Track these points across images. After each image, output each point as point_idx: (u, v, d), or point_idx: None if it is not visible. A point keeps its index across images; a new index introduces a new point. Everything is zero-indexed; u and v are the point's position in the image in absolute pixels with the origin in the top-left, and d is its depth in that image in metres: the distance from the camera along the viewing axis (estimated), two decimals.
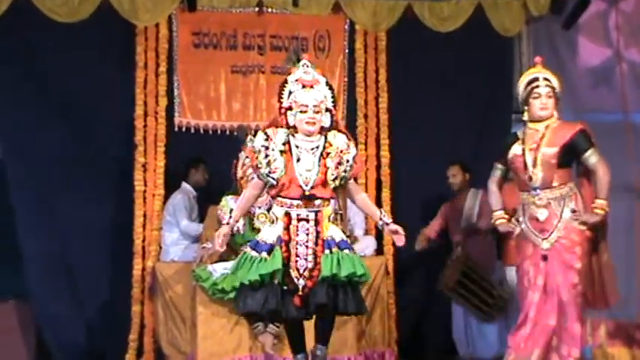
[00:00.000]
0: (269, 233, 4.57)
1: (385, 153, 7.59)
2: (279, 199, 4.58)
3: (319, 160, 4.55)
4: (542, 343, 5.00)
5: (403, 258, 7.42)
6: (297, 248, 4.53)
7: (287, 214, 4.54)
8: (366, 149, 7.56)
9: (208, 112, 7.45)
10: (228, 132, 7.41)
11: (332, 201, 6.46)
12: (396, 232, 4.65)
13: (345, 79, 7.68)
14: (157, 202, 7.16)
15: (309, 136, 4.57)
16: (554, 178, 5.05)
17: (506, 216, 5.31)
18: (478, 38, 7.76)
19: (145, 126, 7.22)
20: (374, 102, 7.64)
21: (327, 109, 4.58)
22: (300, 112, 4.53)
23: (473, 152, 7.58)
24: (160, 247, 7.11)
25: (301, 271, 4.51)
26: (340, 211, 6.91)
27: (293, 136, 4.57)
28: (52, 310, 7.02)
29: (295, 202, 4.53)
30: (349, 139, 4.65)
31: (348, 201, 6.72)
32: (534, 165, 5.06)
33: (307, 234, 4.54)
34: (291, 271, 4.52)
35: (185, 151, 7.32)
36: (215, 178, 7.13)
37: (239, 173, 6.13)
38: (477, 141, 7.69)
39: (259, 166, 4.54)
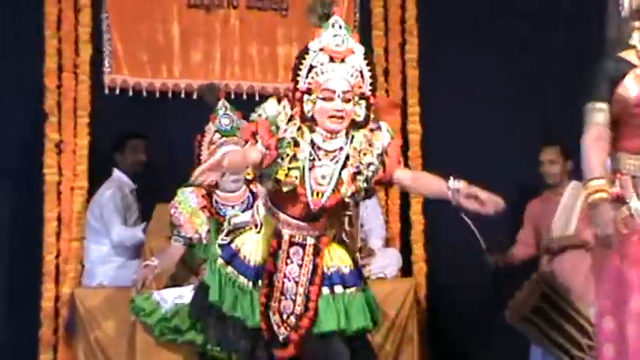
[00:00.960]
0: (254, 248, 4.54)
1: (415, 127, 7.58)
2: (271, 205, 4.51)
3: (340, 170, 4.43)
4: None
5: (441, 280, 7.49)
6: (283, 283, 4.47)
7: (276, 234, 4.48)
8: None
9: (154, 67, 7.46)
10: (183, 94, 7.42)
11: None
12: (476, 197, 4.34)
13: (356, 19, 7.71)
14: (78, 200, 7.14)
15: (331, 134, 4.43)
16: None
17: (608, 189, 4.81)
18: None
19: (59, 87, 7.19)
20: (398, 51, 7.66)
21: (362, 96, 4.45)
22: (323, 99, 4.37)
23: (542, 124, 7.58)
24: (83, 266, 7.07)
25: (284, 317, 4.47)
26: (349, 212, 6.74)
27: (311, 131, 4.42)
28: None
29: (293, 222, 4.46)
30: (377, 127, 4.52)
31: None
32: None
33: (300, 265, 4.48)
34: (270, 314, 4.46)
35: (119, 122, 7.26)
36: (163, 162, 7.25)
37: (204, 155, 5.95)
38: (546, 109, 7.65)
39: (278, 160, 4.35)
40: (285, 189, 4.35)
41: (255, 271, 4.48)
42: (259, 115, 4.46)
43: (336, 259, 4.51)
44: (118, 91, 7.33)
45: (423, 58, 7.61)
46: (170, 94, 7.40)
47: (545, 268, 6.81)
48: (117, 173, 7.11)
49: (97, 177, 7.12)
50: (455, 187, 4.39)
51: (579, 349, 6.44)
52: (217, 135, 5.84)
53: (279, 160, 4.34)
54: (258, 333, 4.46)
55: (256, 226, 4.55)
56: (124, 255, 6.98)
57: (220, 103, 5.86)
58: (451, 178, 4.44)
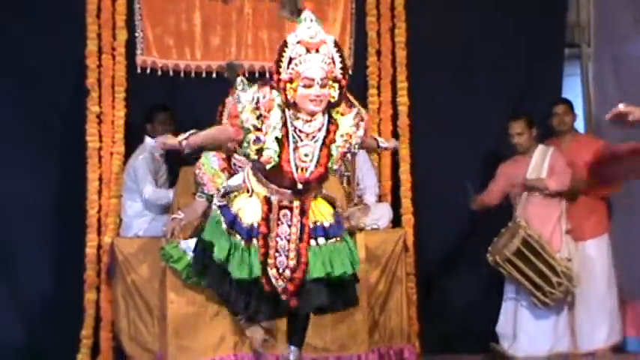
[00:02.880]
0: (248, 210, 4.61)
1: (403, 99, 7.57)
2: (261, 175, 4.62)
3: (320, 148, 4.56)
4: None
5: (427, 229, 7.53)
6: (276, 242, 4.61)
7: (267, 200, 4.60)
8: (379, 95, 7.60)
9: (179, 50, 7.49)
10: (204, 74, 7.45)
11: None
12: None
13: (353, 6, 7.68)
14: (116, 163, 7.20)
15: (312, 116, 4.55)
16: None
17: None
18: None
19: (99, 66, 7.22)
20: (389, 34, 7.63)
21: (335, 80, 4.54)
22: (304, 86, 4.48)
23: (515, 98, 7.75)
24: (120, 220, 7.17)
25: (280, 270, 4.60)
26: (347, 173, 7.18)
27: (293, 116, 4.54)
28: None
29: (281, 190, 4.60)
30: (356, 115, 4.65)
31: (358, 160, 7.06)
32: None
33: (290, 225, 4.62)
34: (269, 269, 4.59)
35: (150, 97, 7.35)
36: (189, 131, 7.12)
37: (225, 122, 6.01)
38: (520, 84, 7.86)
39: (246, 148, 4.54)
40: (268, 167, 4.48)
41: (248, 231, 4.55)
42: (235, 105, 4.53)
43: (319, 214, 4.64)
44: (148, 71, 7.33)
45: (410, 40, 7.54)
46: (193, 74, 7.38)
47: (521, 218, 7.00)
48: (148, 140, 7.17)
49: (131, 144, 7.20)
50: (383, 146, 4.93)
51: (550, 285, 6.86)
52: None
53: (244, 144, 4.48)
54: (257, 286, 4.58)
55: (248, 190, 4.62)
56: (155, 211, 7.09)
57: (239, 79, 5.73)
58: (380, 140, 4.97)
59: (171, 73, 7.44)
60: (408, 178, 7.47)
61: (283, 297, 4.60)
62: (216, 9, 7.48)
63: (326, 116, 4.57)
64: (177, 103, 7.29)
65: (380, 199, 7.45)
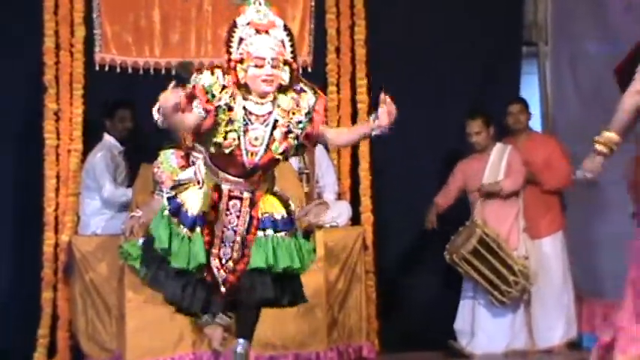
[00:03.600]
0: (194, 200, 4.54)
1: (363, 97, 7.58)
2: (211, 164, 4.55)
3: (271, 132, 4.49)
4: None
5: (386, 227, 7.52)
6: (223, 231, 4.55)
7: (217, 188, 4.53)
8: (338, 92, 7.60)
9: (138, 46, 7.48)
10: (163, 71, 7.43)
11: (293, 160, 6.39)
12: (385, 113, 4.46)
13: (312, 4, 7.69)
14: (74, 160, 7.18)
15: (262, 98, 4.48)
16: None
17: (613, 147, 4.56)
18: None
19: (57, 63, 7.20)
20: (348, 32, 7.64)
21: (285, 62, 4.50)
22: (255, 66, 4.43)
23: (474, 96, 7.74)
24: (78, 217, 7.15)
25: (224, 262, 4.55)
26: (306, 171, 7.24)
27: (244, 98, 4.46)
28: None
29: (231, 178, 4.53)
30: (302, 90, 4.56)
31: (317, 156, 7.08)
32: None
33: (238, 216, 4.55)
34: (212, 259, 4.54)
35: (108, 94, 7.33)
36: (148, 128, 6.73)
37: None
38: (479, 82, 7.87)
39: (215, 130, 4.40)
40: (227, 151, 4.39)
41: (192, 220, 4.47)
42: (196, 82, 4.40)
43: (269, 207, 4.56)
44: (107, 68, 7.33)
45: (370, 38, 7.56)
46: (152, 71, 7.39)
47: (478, 217, 7.02)
48: (107, 137, 7.17)
49: (90, 141, 7.17)
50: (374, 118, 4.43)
51: (507, 284, 6.91)
52: None
53: (216, 125, 4.37)
54: (196, 276, 4.51)
55: (198, 182, 4.57)
56: (113, 209, 7.04)
57: (192, 78, 6.05)
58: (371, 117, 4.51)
59: (130, 70, 7.42)
60: (367, 176, 7.47)
61: (222, 289, 4.54)
62: (176, 5, 7.48)
63: (277, 100, 4.50)
64: (136, 100, 7.19)
65: (339, 196, 7.45)
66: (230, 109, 4.40)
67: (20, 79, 7.28)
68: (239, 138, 4.42)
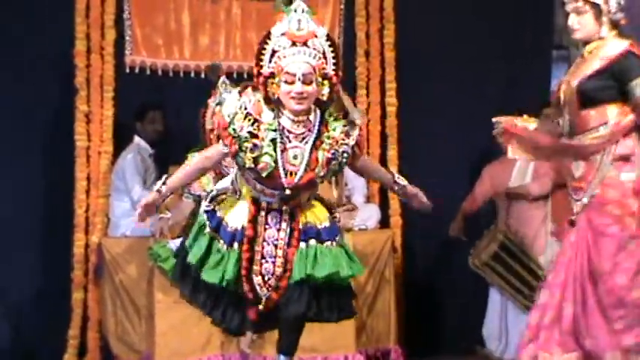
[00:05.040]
0: (236, 214, 4.31)
1: (392, 100, 7.61)
2: (249, 177, 4.30)
3: (311, 150, 4.21)
4: None
5: (415, 231, 7.53)
6: (263, 247, 4.30)
7: (255, 202, 4.29)
8: (367, 95, 7.63)
9: (168, 49, 7.50)
10: (193, 73, 7.45)
11: None
12: (415, 196, 4.55)
13: (342, 7, 7.72)
14: (104, 162, 7.20)
15: (296, 115, 4.21)
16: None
17: None
18: None
19: (87, 66, 7.22)
20: (377, 35, 7.66)
21: (325, 77, 4.22)
22: (285, 82, 4.15)
23: (503, 99, 7.64)
24: (108, 219, 7.17)
25: (266, 278, 4.30)
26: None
27: (279, 114, 4.22)
28: None
29: (269, 192, 4.27)
30: (349, 122, 4.32)
31: None
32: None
33: (279, 230, 4.30)
34: (253, 276, 4.30)
35: (138, 96, 7.35)
36: (177, 130, 7.23)
37: (208, 124, 6.05)
38: (508, 86, 7.84)
39: (241, 158, 4.20)
40: (264, 174, 4.16)
41: (231, 235, 4.26)
42: (222, 116, 4.24)
43: (311, 216, 4.32)
44: (137, 70, 7.35)
45: (400, 41, 7.58)
46: (181, 73, 7.41)
47: (502, 221, 6.95)
48: (137, 140, 7.20)
49: (120, 143, 7.20)
50: (400, 185, 4.47)
51: (531, 289, 6.63)
52: (218, 107, 5.76)
53: (240, 154, 4.15)
54: (234, 293, 4.32)
55: (236, 192, 4.37)
56: None
57: (221, 80, 5.91)
58: (396, 175, 4.52)
59: (159, 72, 7.43)
60: None
61: (260, 306, 4.31)
62: (205, 8, 7.50)
63: (318, 116, 4.25)
64: (166, 102, 7.32)
65: (368, 199, 7.46)
66: (254, 136, 4.16)
67: (52, 82, 7.29)
68: (275, 161, 4.16)
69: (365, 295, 6.75)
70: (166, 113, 7.26)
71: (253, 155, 4.15)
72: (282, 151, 4.18)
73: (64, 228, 7.10)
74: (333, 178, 6.89)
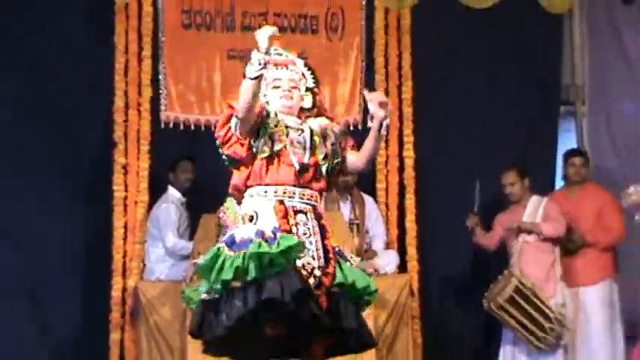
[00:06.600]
0: (247, 229, 4.21)
1: (409, 153, 7.68)
2: (260, 188, 4.33)
3: (310, 139, 4.38)
4: None
5: (432, 275, 7.61)
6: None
7: (281, 202, 4.29)
8: (386, 148, 7.63)
9: (200, 105, 7.55)
10: None
11: (344, 207, 6.21)
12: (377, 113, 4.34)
13: (363, 65, 7.75)
14: (140, 211, 7.27)
15: (290, 115, 4.41)
16: None
17: None
18: (520, 15, 7.96)
19: (125, 121, 7.32)
20: (396, 92, 7.71)
21: (307, 89, 4.49)
22: (274, 87, 4.41)
23: (517, 151, 7.81)
24: (144, 264, 7.23)
25: (309, 270, 4.18)
26: (357, 221, 7.20)
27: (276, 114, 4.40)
28: (7, 340, 7.07)
29: (288, 189, 4.30)
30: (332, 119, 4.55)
31: (366, 210, 7.13)
32: None
33: (309, 227, 4.30)
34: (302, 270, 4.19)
35: (173, 150, 7.43)
36: (208, 181, 7.17)
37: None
38: (522, 137, 7.94)
39: (266, 125, 4.32)
40: (278, 146, 4.26)
41: (248, 244, 4.10)
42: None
43: (334, 239, 4.38)
44: (171, 125, 7.40)
45: (417, 97, 7.65)
46: (212, 127, 6.87)
47: (515, 266, 6.95)
48: (171, 190, 7.22)
49: (155, 193, 7.27)
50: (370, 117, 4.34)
51: (542, 330, 6.80)
52: None
53: (267, 122, 4.29)
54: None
55: (251, 219, 4.27)
56: (176, 257, 7.10)
57: None
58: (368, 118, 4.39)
59: (192, 127, 7.46)
60: (413, 227, 7.55)
61: (316, 310, 4.10)
62: (235, 68, 7.38)
63: (307, 124, 4.43)
64: (198, 155, 7.30)
65: (387, 246, 7.47)
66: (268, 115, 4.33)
67: (92, 135, 7.38)
68: (278, 151, 4.29)
69: (384, 336, 6.77)
70: (197, 164, 7.24)
71: (272, 130, 4.29)
72: (287, 135, 4.33)
73: (103, 272, 7.13)
74: (355, 227, 7.14)
